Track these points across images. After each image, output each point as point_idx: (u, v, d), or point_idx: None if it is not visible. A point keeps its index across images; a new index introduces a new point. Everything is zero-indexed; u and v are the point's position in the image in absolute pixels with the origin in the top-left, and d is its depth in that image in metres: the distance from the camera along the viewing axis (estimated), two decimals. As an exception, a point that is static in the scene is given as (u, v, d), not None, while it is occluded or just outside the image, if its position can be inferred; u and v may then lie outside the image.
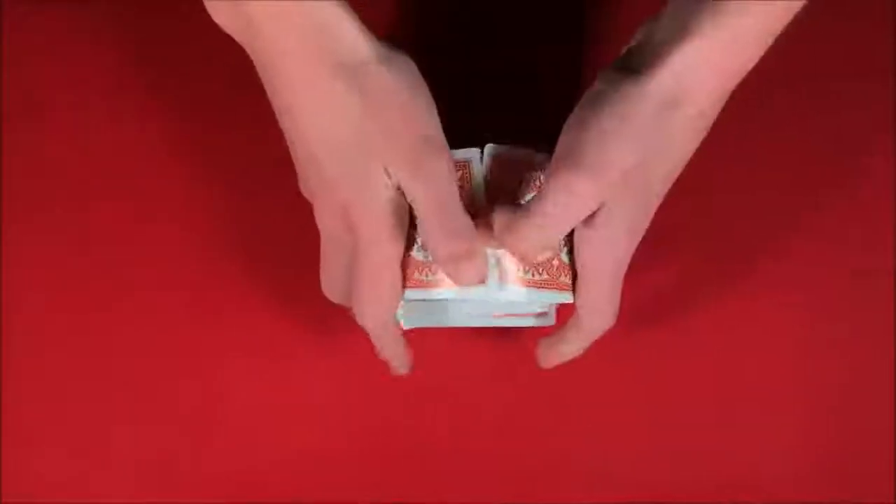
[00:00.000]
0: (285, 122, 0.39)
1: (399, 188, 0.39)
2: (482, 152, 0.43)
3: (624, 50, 0.41)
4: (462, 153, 0.43)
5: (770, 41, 0.38)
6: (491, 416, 0.51)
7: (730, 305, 0.51)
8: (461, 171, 0.43)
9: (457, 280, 0.41)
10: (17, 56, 0.52)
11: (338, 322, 0.51)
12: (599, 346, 0.49)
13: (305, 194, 0.42)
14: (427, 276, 0.42)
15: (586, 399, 0.51)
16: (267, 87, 0.39)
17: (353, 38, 0.37)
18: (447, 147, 0.39)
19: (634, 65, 0.38)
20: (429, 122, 0.39)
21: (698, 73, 0.38)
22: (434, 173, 0.39)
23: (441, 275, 0.41)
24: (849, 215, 0.51)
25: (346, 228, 0.40)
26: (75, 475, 0.50)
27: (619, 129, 0.38)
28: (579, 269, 0.41)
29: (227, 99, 0.51)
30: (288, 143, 0.40)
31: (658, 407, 0.51)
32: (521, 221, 0.39)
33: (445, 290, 0.42)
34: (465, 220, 0.40)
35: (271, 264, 0.51)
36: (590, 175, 0.38)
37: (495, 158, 0.43)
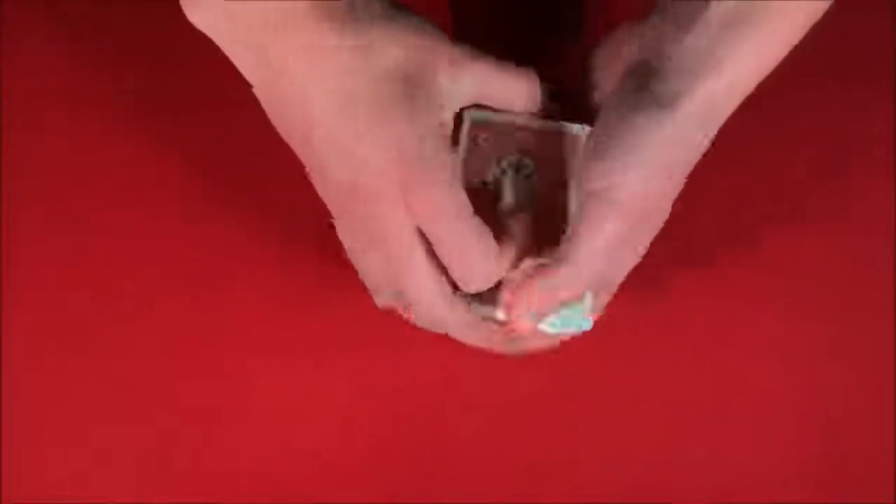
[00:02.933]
0: (304, 150, 0.39)
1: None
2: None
3: (632, 61, 0.40)
4: (571, 126, 0.41)
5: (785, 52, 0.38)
6: (495, 417, 0.51)
7: (729, 306, 0.51)
8: (567, 146, 0.41)
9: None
10: (17, 56, 0.52)
11: (344, 320, 0.51)
12: (599, 347, 0.49)
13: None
14: None
15: (586, 399, 0.51)
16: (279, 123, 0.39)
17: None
18: (446, 166, 0.38)
19: (660, 92, 0.38)
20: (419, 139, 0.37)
21: (728, 101, 0.38)
22: (431, 207, 0.38)
23: None
24: (849, 215, 0.51)
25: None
26: (75, 475, 0.50)
27: (652, 163, 0.38)
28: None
29: (230, 100, 0.51)
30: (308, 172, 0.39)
31: (658, 407, 0.51)
32: (563, 272, 0.39)
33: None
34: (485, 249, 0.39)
35: (276, 263, 0.51)
36: (622, 213, 0.38)
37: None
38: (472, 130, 0.43)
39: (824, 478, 0.50)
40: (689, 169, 0.39)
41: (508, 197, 0.42)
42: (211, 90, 0.52)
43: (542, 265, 0.40)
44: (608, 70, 0.42)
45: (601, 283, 0.41)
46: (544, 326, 0.42)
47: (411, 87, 0.37)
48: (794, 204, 0.51)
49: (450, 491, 0.50)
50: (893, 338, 0.50)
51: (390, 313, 0.44)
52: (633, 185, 0.38)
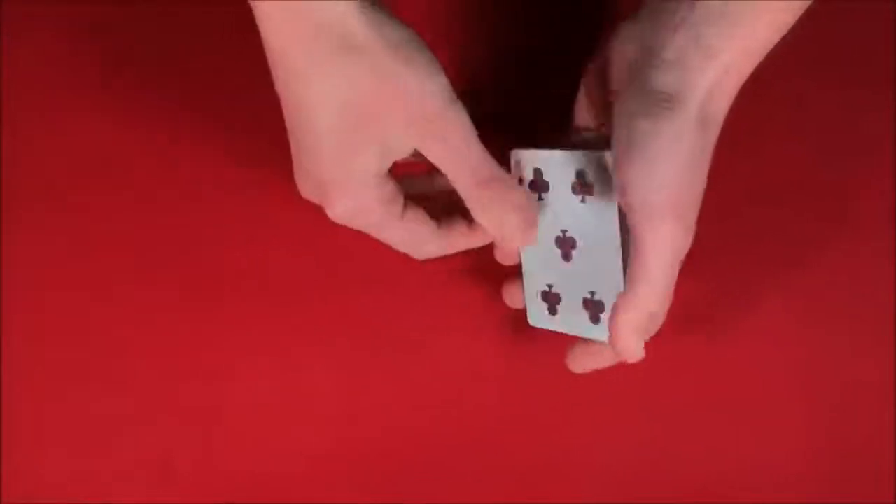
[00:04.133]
0: (281, 90, 0.38)
1: (388, 176, 0.39)
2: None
3: (632, 63, 0.41)
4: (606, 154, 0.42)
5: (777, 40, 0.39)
6: (492, 416, 0.51)
7: (729, 306, 0.51)
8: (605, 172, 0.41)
9: (504, 237, 0.41)
10: (17, 56, 0.52)
11: (341, 320, 0.51)
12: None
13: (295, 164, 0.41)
14: None
15: (586, 400, 0.51)
16: (269, 63, 0.38)
17: (335, 7, 0.35)
18: (459, 103, 0.38)
19: (660, 91, 0.39)
20: (432, 81, 0.37)
21: (724, 93, 0.39)
22: (449, 124, 0.37)
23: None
24: (849, 215, 0.51)
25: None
26: (75, 475, 0.50)
27: (689, 159, 0.39)
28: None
29: (230, 97, 0.51)
30: (284, 113, 0.39)
31: (658, 407, 0.51)
32: (640, 301, 0.40)
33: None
34: (498, 168, 0.39)
35: (274, 263, 0.51)
36: (677, 218, 0.39)
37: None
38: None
39: (831, 477, 0.50)
40: (706, 164, 0.40)
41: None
42: (211, 89, 0.52)
43: (623, 294, 0.41)
44: (608, 72, 0.42)
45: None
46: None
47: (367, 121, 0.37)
48: (795, 203, 0.51)
49: (449, 491, 0.50)
50: (894, 338, 0.50)
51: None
52: (669, 189, 0.39)
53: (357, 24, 0.35)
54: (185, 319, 0.51)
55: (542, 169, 0.44)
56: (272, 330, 0.51)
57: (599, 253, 0.43)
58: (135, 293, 0.51)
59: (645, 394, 0.51)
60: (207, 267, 0.51)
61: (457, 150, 0.38)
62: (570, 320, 0.45)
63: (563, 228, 0.44)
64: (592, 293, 0.44)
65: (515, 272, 0.47)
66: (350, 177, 0.38)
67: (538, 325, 0.47)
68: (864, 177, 0.51)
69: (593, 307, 0.44)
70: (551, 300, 0.46)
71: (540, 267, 0.45)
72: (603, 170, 0.42)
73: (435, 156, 0.38)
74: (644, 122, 0.39)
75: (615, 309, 0.41)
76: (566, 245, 0.44)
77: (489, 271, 0.49)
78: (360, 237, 0.42)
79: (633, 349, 0.41)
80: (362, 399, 0.51)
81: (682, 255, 0.40)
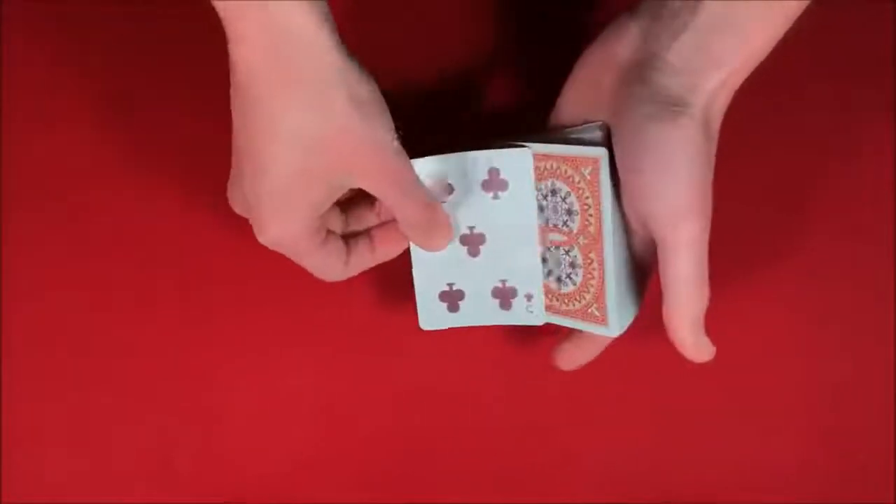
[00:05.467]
0: (239, 113, 0.40)
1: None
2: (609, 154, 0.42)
3: (629, 63, 0.41)
4: (589, 150, 0.42)
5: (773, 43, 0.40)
6: (491, 416, 0.51)
7: (730, 306, 0.51)
8: (590, 168, 0.43)
9: (428, 245, 0.44)
10: (17, 56, 0.52)
11: (339, 321, 0.51)
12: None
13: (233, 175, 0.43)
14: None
15: (586, 399, 0.51)
16: (231, 87, 0.40)
17: (317, 59, 0.38)
18: (403, 151, 0.41)
19: (678, 95, 0.39)
20: (385, 135, 0.40)
21: (725, 96, 0.40)
22: (399, 171, 0.41)
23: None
24: (849, 215, 0.51)
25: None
26: (75, 475, 0.50)
27: (697, 160, 0.40)
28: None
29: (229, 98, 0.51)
30: (234, 134, 0.41)
31: (658, 407, 0.51)
32: (685, 299, 0.41)
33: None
34: (429, 193, 0.43)
35: (271, 263, 0.51)
36: (695, 217, 0.40)
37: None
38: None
39: (831, 477, 0.50)
40: (712, 161, 0.41)
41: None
42: (211, 89, 0.51)
43: (669, 303, 0.42)
44: (603, 68, 0.43)
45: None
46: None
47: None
48: (795, 203, 0.51)
49: (449, 490, 0.50)
50: (894, 338, 0.50)
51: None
52: (683, 191, 0.40)
53: (332, 79, 0.38)
54: (185, 320, 0.51)
55: (448, 171, 0.45)
56: (272, 330, 0.51)
57: (513, 243, 0.45)
58: (134, 293, 0.51)
59: (645, 394, 0.51)
60: (207, 267, 0.51)
61: (403, 190, 0.41)
62: (476, 312, 0.46)
63: (471, 225, 0.45)
64: (504, 281, 0.46)
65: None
66: (289, 212, 0.40)
67: (433, 328, 0.47)
68: (864, 177, 0.51)
69: (503, 294, 0.46)
70: (453, 298, 0.47)
71: (437, 268, 0.46)
72: (520, 163, 0.44)
73: (383, 193, 0.41)
74: (653, 127, 0.40)
75: (669, 320, 0.42)
76: (475, 241, 0.46)
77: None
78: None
79: (703, 349, 0.42)
80: (362, 398, 0.51)
81: (706, 245, 0.41)
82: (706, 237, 0.41)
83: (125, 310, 0.51)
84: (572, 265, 0.45)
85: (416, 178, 0.42)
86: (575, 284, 0.45)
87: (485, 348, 0.51)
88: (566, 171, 0.44)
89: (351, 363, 0.51)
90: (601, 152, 0.42)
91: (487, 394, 0.51)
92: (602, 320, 0.44)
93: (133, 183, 0.52)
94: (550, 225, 0.45)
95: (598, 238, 0.43)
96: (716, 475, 0.50)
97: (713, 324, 0.50)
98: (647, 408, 0.51)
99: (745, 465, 0.50)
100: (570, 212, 0.44)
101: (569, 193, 0.44)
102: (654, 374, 0.51)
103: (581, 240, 0.44)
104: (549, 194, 0.45)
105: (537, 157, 0.44)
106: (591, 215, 0.43)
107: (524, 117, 0.50)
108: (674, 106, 0.39)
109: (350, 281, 0.50)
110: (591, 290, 0.44)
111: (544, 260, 0.46)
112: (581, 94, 0.44)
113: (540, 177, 0.45)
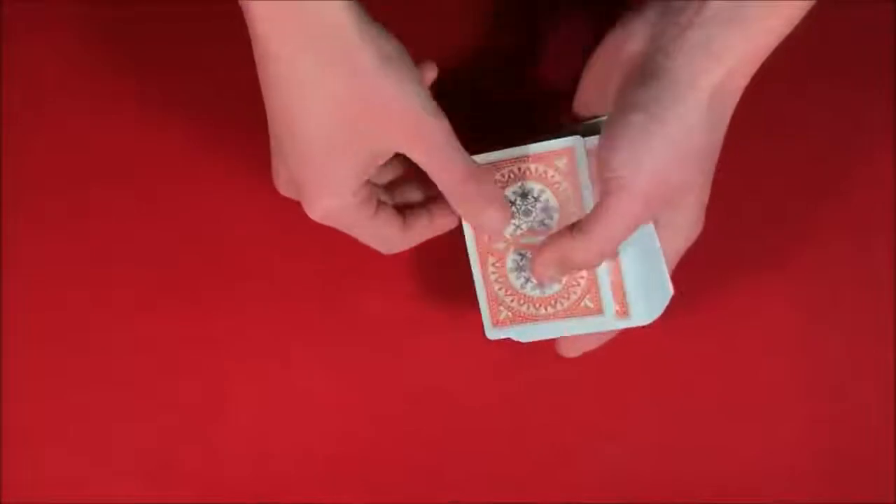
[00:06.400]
0: (268, 93, 0.39)
1: (366, 179, 0.40)
2: (584, 142, 0.42)
3: (636, 57, 0.41)
4: (562, 141, 0.42)
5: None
6: (491, 416, 0.51)
7: (730, 306, 0.51)
8: (565, 159, 0.42)
9: (476, 221, 0.42)
10: (17, 56, 0.52)
11: (340, 320, 0.51)
12: (601, 346, 0.49)
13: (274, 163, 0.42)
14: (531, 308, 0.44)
15: (586, 399, 0.51)
16: (256, 61, 0.39)
17: (334, 15, 0.37)
18: (440, 112, 0.40)
19: (664, 87, 0.39)
20: (417, 93, 0.39)
21: (729, 93, 0.40)
22: (432, 132, 0.39)
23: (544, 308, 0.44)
24: (849, 214, 0.51)
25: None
26: (75, 474, 0.50)
27: (663, 155, 0.40)
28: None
29: (231, 97, 0.51)
30: (268, 114, 0.40)
31: (658, 407, 0.51)
32: (579, 244, 0.41)
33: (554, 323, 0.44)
34: (478, 167, 0.41)
35: (272, 261, 0.51)
36: (646, 202, 0.40)
37: (590, 152, 0.43)
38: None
39: (831, 477, 0.50)
40: (709, 159, 0.41)
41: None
42: (212, 89, 0.52)
43: (561, 231, 0.42)
44: (612, 65, 0.43)
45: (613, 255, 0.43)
46: (565, 330, 0.44)
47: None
48: (795, 203, 0.51)
49: (449, 490, 0.50)
50: (894, 338, 0.50)
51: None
52: (647, 175, 0.39)
53: (354, 36, 0.37)
54: (184, 319, 0.51)
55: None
56: (272, 329, 0.51)
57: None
58: (134, 292, 0.51)
59: (645, 394, 0.51)
60: (207, 266, 0.51)
61: (439, 154, 0.40)
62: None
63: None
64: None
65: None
66: (332, 180, 0.40)
67: (497, 338, 0.46)
68: (864, 176, 0.51)
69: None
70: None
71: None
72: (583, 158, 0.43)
73: (419, 159, 0.40)
74: (637, 117, 0.40)
75: (549, 241, 0.42)
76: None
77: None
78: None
79: (545, 276, 0.43)
80: (362, 398, 0.51)
81: (631, 231, 0.41)
82: (633, 224, 0.40)
83: (125, 309, 0.51)
84: None
85: (455, 144, 0.40)
86: (560, 284, 0.44)
87: (487, 349, 0.51)
88: (537, 170, 0.43)
89: (353, 363, 0.51)
90: (574, 142, 0.42)
91: (489, 394, 0.51)
92: (598, 309, 0.43)
93: (133, 182, 0.52)
94: (524, 229, 0.44)
95: None
96: (716, 475, 0.50)
97: (714, 323, 0.50)
98: (647, 408, 0.51)
99: (745, 465, 0.50)
100: (546, 209, 0.43)
101: (542, 190, 0.43)
102: (654, 373, 0.51)
103: None
104: (519, 198, 0.44)
105: (503, 163, 0.44)
106: (571, 206, 0.43)
107: (535, 117, 0.50)
108: (667, 101, 0.39)
109: (350, 281, 0.50)
110: (581, 283, 0.43)
111: (519, 269, 0.45)
112: (591, 94, 0.45)
113: (506, 183, 0.44)
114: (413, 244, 0.45)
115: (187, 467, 0.50)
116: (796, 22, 0.39)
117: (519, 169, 0.44)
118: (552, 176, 0.43)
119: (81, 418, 0.50)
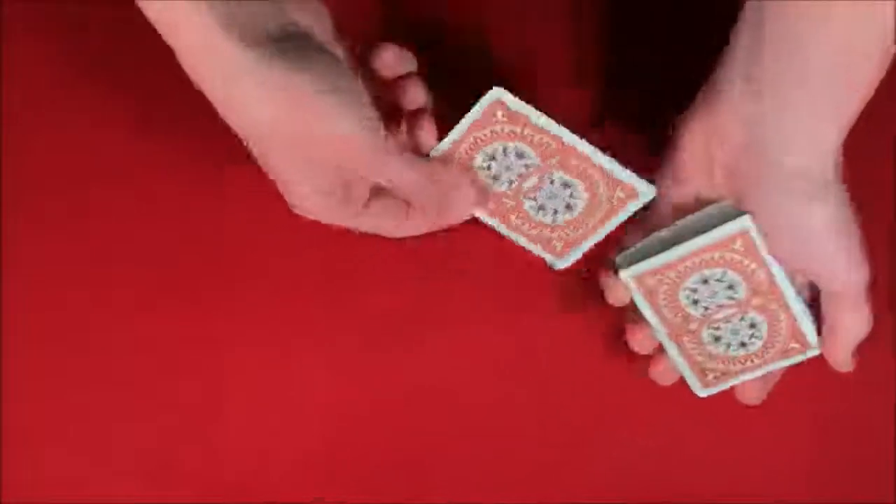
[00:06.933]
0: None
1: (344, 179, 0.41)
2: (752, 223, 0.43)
3: (740, 143, 0.41)
4: (726, 229, 0.43)
5: None
6: (492, 415, 0.51)
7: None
8: (738, 241, 0.43)
9: (458, 213, 0.44)
10: (17, 56, 0.52)
11: (341, 318, 0.51)
12: (601, 345, 0.49)
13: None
14: None
15: (588, 398, 0.51)
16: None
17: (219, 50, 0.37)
18: (378, 134, 0.40)
19: (805, 168, 0.40)
20: (355, 117, 0.39)
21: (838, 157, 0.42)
22: (372, 153, 0.40)
23: None
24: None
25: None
26: (75, 474, 0.50)
27: (843, 224, 0.42)
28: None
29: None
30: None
31: (659, 407, 0.51)
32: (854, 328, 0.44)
33: None
34: (428, 163, 0.42)
35: (271, 260, 0.51)
36: (860, 269, 0.43)
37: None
38: (493, 107, 0.44)
39: (831, 477, 0.50)
40: (852, 216, 0.43)
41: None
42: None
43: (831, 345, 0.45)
44: (711, 151, 0.43)
45: None
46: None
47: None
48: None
49: (449, 490, 0.50)
50: (894, 337, 0.50)
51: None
52: (835, 264, 0.42)
53: (244, 74, 0.37)
54: (185, 319, 0.51)
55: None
56: (272, 329, 0.51)
57: None
58: (133, 291, 0.51)
59: (645, 394, 0.51)
60: (207, 266, 0.51)
61: (380, 164, 0.40)
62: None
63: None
64: None
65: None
66: (303, 182, 0.40)
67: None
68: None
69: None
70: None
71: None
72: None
73: (365, 172, 0.41)
74: (798, 210, 0.41)
75: (829, 344, 0.45)
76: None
77: (489, 269, 0.49)
78: (360, 234, 0.43)
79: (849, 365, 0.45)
80: (362, 397, 0.51)
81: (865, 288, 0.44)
82: (866, 281, 0.43)
83: (124, 308, 0.51)
84: (752, 326, 0.45)
85: (395, 152, 0.41)
86: (762, 339, 0.46)
87: (489, 349, 0.51)
88: (713, 257, 0.44)
89: (351, 361, 0.51)
90: (745, 224, 0.42)
91: (490, 392, 0.51)
92: (805, 346, 0.45)
93: (133, 182, 0.52)
94: (713, 307, 0.45)
95: (773, 289, 0.44)
96: (716, 475, 0.50)
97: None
98: (647, 408, 0.51)
99: (746, 465, 0.50)
100: (730, 286, 0.45)
101: (724, 273, 0.44)
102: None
103: (754, 301, 0.45)
104: (701, 284, 0.45)
105: (667, 267, 0.45)
106: (758, 275, 0.44)
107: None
108: (809, 183, 0.40)
109: (350, 278, 0.50)
110: (783, 331, 0.45)
111: (717, 339, 0.46)
112: (691, 170, 0.44)
113: (686, 273, 0.45)
114: (419, 232, 0.45)
115: (187, 467, 0.50)
116: (874, 82, 0.40)
117: (692, 263, 0.44)
118: (730, 258, 0.44)
119: (81, 418, 0.50)
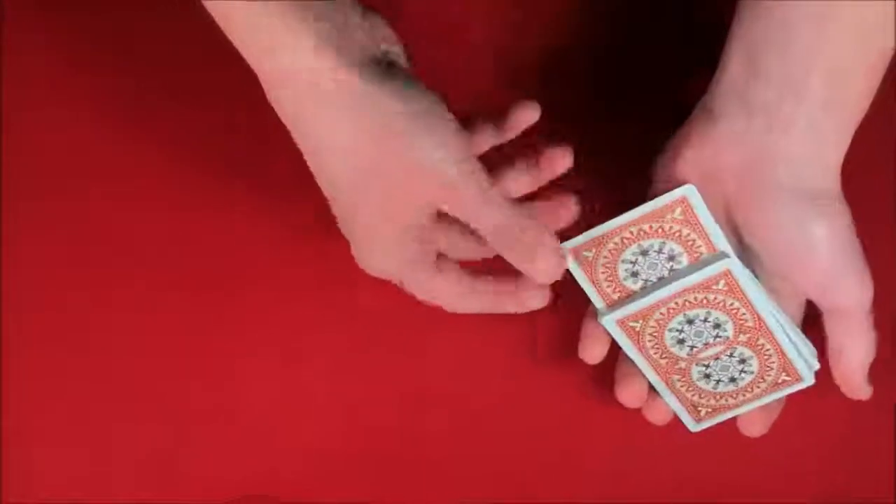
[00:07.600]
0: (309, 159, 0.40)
1: (412, 239, 0.40)
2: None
3: (742, 165, 0.41)
4: (707, 272, 0.43)
5: None
6: (495, 415, 0.51)
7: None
8: (721, 281, 0.43)
9: (531, 271, 0.41)
10: (17, 56, 0.52)
11: (342, 318, 0.51)
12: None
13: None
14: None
15: (587, 399, 0.51)
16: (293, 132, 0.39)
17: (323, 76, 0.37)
18: (470, 162, 0.39)
19: (811, 186, 0.41)
20: (443, 153, 0.38)
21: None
22: (463, 187, 0.39)
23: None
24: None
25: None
26: (76, 474, 0.50)
27: (850, 249, 0.43)
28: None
29: (231, 97, 0.51)
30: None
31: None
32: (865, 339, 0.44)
33: None
34: (513, 210, 0.40)
35: (272, 260, 0.51)
36: (866, 283, 0.43)
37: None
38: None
39: (831, 477, 0.50)
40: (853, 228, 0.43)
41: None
42: (212, 89, 0.52)
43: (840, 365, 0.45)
44: (699, 168, 0.43)
45: None
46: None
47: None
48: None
49: (450, 490, 0.50)
50: (894, 337, 0.50)
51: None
52: (848, 280, 0.43)
53: (354, 102, 0.37)
54: (185, 318, 0.51)
55: None
56: (273, 329, 0.51)
57: None
58: (134, 292, 0.51)
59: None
60: (207, 266, 0.51)
61: (473, 206, 0.39)
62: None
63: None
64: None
65: None
66: (378, 238, 0.40)
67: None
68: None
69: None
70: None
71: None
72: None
73: (453, 211, 0.39)
74: (801, 226, 0.41)
75: (840, 369, 0.45)
76: None
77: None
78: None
79: (864, 391, 0.46)
80: (365, 397, 0.51)
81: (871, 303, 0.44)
82: (870, 299, 0.43)
83: (125, 309, 0.51)
84: (742, 361, 0.46)
85: (490, 192, 0.39)
86: (753, 373, 0.46)
87: (490, 349, 0.51)
88: (696, 298, 0.44)
89: (356, 362, 0.51)
90: (727, 263, 0.42)
91: (493, 393, 0.51)
92: (797, 379, 0.46)
93: (133, 182, 0.52)
94: (700, 346, 0.45)
95: (760, 325, 0.44)
96: (716, 475, 0.50)
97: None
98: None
99: (746, 465, 0.50)
100: (716, 325, 0.45)
101: (708, 313, 0.44)
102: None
103: (741, 337, 0.45)
104: (686, 324, 0.45)
105: (650, 309, 0.45)
106: (743, 313, 0.44)
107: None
108: (816, 199, 0.40)
109: (352, 279, 0.50)
110: (774, 365, 0.45)
111: (707, 377, 0.46)
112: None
113: (670, 315, 0.45)
114: (479, 311, 0.44)
115: (188, 467, 0.50)
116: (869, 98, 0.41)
117: (677, 303, 0.44)
118: (713, 299, 0.44)
119: (81, 418, 0.50)
